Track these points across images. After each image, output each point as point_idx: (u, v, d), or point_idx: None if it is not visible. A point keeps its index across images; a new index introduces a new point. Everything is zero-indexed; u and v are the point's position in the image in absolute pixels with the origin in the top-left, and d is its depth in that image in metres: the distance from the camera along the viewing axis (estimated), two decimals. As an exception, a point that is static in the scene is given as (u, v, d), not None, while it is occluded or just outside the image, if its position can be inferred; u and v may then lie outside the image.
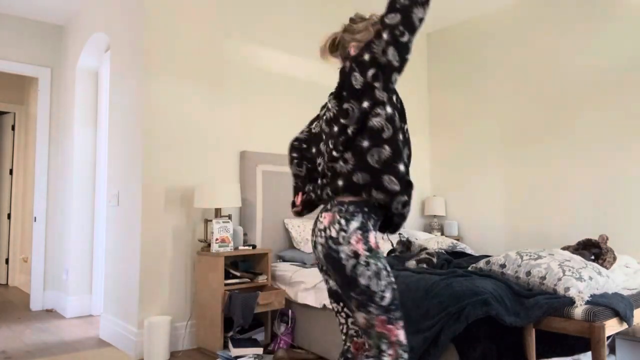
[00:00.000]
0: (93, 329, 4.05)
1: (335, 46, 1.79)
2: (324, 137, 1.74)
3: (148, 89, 3.45)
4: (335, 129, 1.61)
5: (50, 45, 4.93)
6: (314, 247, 1.62)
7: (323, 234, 1.57)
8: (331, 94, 1.71)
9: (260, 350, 3.11)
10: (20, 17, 4.76)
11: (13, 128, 6.25)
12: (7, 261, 6.30)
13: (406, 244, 3.39)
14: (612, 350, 2.74)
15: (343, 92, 1.61)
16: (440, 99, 5.31)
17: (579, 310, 2.08)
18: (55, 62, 4.95)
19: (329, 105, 1.68)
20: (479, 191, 4.90)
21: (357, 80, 1.58)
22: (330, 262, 1.55)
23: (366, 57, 1.57)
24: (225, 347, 3.26)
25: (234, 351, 3.07)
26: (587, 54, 4.16)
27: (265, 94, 4.07)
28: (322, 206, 1.68)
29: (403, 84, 5.19)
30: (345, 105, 1.59)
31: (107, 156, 4.03)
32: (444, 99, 5.28)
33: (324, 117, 1.74)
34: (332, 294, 1.74)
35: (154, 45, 3.49)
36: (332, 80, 4.52)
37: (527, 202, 4.51)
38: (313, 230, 1.63)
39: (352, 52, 1.72)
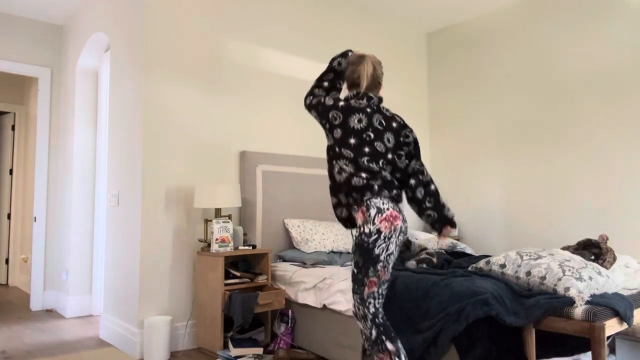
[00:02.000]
0: (93, 329, 4.05)
1: (372, 65, 2.29)
2: (383, 150, 2.22)
3: (148, 89, 3.45)
4: (391, 157, 2.27)
5: (50, 45, 4.93)
6: (402, 227, 2.14)
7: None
8: (382, 117, 2.25)
9: (260, 350, 3.12)
10: (20, 17, 4.76)
11: (13, 128, 6.25)
12: (7, 261, 6.30)
13: (406, 244, 3.38)
14: (612, 350, 2.74)
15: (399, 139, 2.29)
16: (440, 98, 5.31)
17: (579, 310, 2.08)
18: (55, 62, 4.95)
19: (390, 137, 2.25)
20: (479, 191, 4.90)
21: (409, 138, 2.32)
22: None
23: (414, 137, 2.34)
24: (225, 347, 3.26)
25: (234, 351, 3.07)
26: (587, 54, 4.16)
27: (265, 94, 4.07)
28: (388, 199, 2.15)
29: (402, 84, 5.19)
30: (401, 152, 2.30)
31: (107, 156, 4.03)
32: (443, 98, 5.28)
33: (384, 138, 2.24)
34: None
35: (154, 45, 3.49)
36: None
37: (527, 202, 4.51)
38: (399, 216, 2.12)
39: (379, 94, 2.35)
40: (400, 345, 2.11)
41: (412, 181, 2.31)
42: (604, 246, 2.68)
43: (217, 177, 3.74)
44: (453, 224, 2.34)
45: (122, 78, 3.74)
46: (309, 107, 2.33)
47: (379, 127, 2.22)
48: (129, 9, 3.66)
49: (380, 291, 2.13)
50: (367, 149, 2.18)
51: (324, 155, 4.38)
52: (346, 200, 2.22)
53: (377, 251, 2.08)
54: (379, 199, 2.12)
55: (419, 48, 5.40)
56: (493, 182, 4.79)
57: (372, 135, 2.20)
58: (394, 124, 2.27)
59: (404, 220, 2.16)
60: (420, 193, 2.31)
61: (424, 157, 5.34)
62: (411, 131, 2.32)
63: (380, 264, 2.10)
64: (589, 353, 2.49)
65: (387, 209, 2.10)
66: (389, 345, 2.09)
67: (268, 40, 4.12)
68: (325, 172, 4.29)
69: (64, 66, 4.89)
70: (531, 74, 4.53)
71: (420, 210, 2.34)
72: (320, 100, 2.29)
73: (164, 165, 3.49)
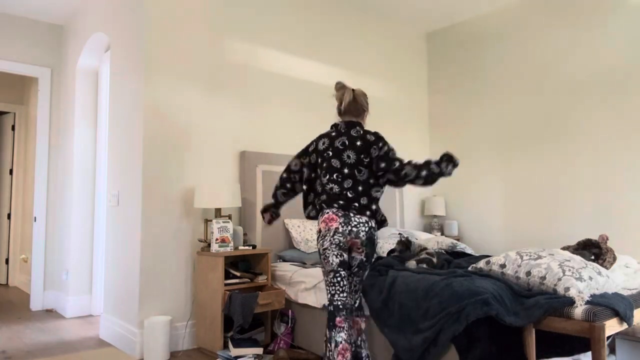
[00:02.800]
0: (93, 329, 4.05)
1: (352, 92, 2.67)
2: (338, 165, 2.59)
3: (148, 89, 3.45)
4: (355, 172, 2.58)
5: (50, 45, 4.93)
6: (340, 229, 2.49)
7: (366, 225, 2.54)
8: (345, 139, 2.61)
9: (260, 350, 3.12)
10: (20, 17, 4.76)
11: (13, 128, 6.25)
12: (7, 261, 6.30)
13: (405, 244, 3.38)
14: (612, 350, 2.74)
15: (363, 154, 2.58)
16: (440, 98, 5.31)
17: (579, 310, 2.08)
18: (55, 62, 4.95)
19: (350, 154, 2.57)
20: (479, 191, 4.90)
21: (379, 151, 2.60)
22: (370, 240, 2.57)
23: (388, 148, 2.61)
24: (225, 347, 3.26)
25: (234, 351, 3.07)
26: (587, 53, 4.16)
27: (265, 94, 4.07)
28: (337, 208, 2.55)
29: (402, 84, 5.19)
30: (364, 165, 2.58)
31: (107, 156, 4.03)
32: (443, 98, 5.28)
33: (344, 156, 2.59)
34: (344, 264, 2.53)
35: (154, 45, 3.49)
36: (330, 80, 4.52)
37: (527, 202, 4.51)
38: (335, 219, 2.50)
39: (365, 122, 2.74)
40: (334, 334, 2.44)
41: (401, 178, 2.54)
42: (604, 246, 2.68)
43: (217, 177, 3.74)
44: (455, 165, 2.51)
45: (122, 78, 3.74)
46: (297, 171, 2.79)
47: (340, 146, 2.61)
48: (129, 9, 3.66)
49: (328, 279, 2.52)
50: (325, 164, 2.61)
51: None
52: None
53: (318, 246, 2.56)
54: (328, 205, 2.55)
55: (419, 48, 5.40)
56: (493, 182, 4.79)
57: (330, 154, 2.61)
58: (358, 143, 2.59)
59: (345, 224, 2.50)
60: (412, 180, 2.53)
61: (424, 157, 5.35)
62: (381, 147, 2.56)
63: (321, 257, 2.54)
64: (589, 353, 2.49)
65: (327, 212, 2.53)
66: (327, 332, 2.47)
67: (268, 41, 4.12)
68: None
69: (64, 66, 4.89)
70: (531, 74, 4.53)
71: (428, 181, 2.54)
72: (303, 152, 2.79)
73: (164, 165, 3.49)
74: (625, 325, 2.17)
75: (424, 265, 2.95)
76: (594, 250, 2.69)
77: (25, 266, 5.88)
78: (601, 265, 2.61)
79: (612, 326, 2.10)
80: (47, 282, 4.84)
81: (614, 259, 2.65)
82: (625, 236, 3.89)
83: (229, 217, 3.56)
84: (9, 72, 4.72)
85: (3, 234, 6.38)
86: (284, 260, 3.78)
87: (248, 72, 3.97)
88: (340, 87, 2.72)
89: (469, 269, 2.65)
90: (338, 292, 2.50)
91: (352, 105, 2.65)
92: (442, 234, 5.08)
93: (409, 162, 2.54)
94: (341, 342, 2.41)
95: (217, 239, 3.31)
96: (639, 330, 2.58)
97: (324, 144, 2.65)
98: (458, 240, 4.88)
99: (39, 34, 4.86)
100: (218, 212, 3.50)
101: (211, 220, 3.49)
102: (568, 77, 4.27)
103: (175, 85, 3.57)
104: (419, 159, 5.29)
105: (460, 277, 2.43)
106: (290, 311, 3.38)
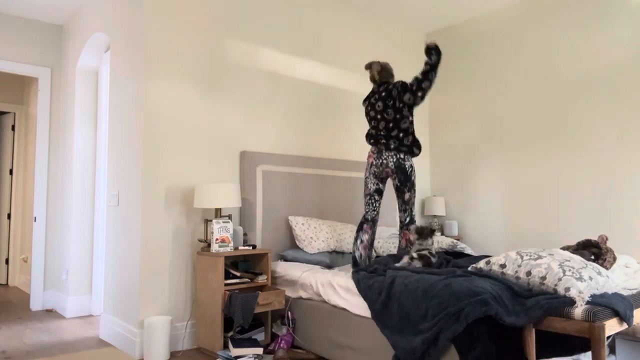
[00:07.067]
0: (93, 329, 4.05)
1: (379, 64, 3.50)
2: (374, 114, 3.46)
3: (148, 89, 3.45)
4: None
5: (50, 45, 4.93)
6: (381, 164, 3.30)
7: (394, 157, 3.28)
8: (376, 94, 3.47)
9: (260, 350, 3.12)
10: (20, 17, 4.76)
11: (13, 128, 6.25)
12: (7, 261, 6.30)
13: (421, 232, 3.11)
14: (612, 350, 2.74)
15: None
16: (440, 98, 5.31)
17: (579, 310, 2.08)
18: (55, 62, 4.95)
19: (379, 104, 3.39)
20: (479, 191, 4.90)
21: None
22: (399, 168, 3.28)
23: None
24: (225, 347, 3.26)
25: (234, 351, 3.07)
26: (587, 54, 4.16)
27: (265, 94, 4.07)
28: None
29: (403, 84, 5.19)
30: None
31: (107, 156, 4.03)
32: (443, 98, 5.28)
33: (376, 106, 3.43)
34: (378, 191, 3.39)
35: (154, 45, 3.49)
36: (331, 80, 4.52)
37: (526, 202, 4.51)
38: (379, 157, 3.32)
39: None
40: (361, 235, 3.29)
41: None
42: (603, 246, 2.68)
43: (217, 177, 3.74)
44: (438, 51, 3.17)
45: (122, 78, 3.74)
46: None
47: (373, 101, 3.49)
48: (129, 9, 3.66)
49: (366, 200, 3.39)
50: (367, 116, 3.56)
51: (323, 155, 4.39)
52: None
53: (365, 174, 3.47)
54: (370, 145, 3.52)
55: (419, 48, 5.40)
56: (493, 182, 4.79)
57: (368, 108, 3.52)
58: (383, 93, 3.39)
59: (378, 158, 3.32)
60: (427, 89, 3.29)
61: (425, 157, 5.35)
62: (399, 85, 3.30)
63: (364, 183, 3.53)
64: (589, 353, 2.49)
65: (369, 151, 3.49)
66: (356, 234, 3.34)
67: (268, 40, 4.12)
68: (324, 172, 4.30)
69: (64, 66, 4.89)
70: (531, 74, 4.53)
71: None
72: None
73: (164, 165, 3.49)
74: (625, 325, 2.18)
75: (419, 263, 2.94)
76: (593, 251, 2.69)
77: (25, 266, 5.88)
78: (601, 265, 2.62)
79: (612, 326, 2.10)
80: (47, 282, 4.84)
81: (614, 259, 2.65)
82: (625, 236, 3.89)
83: (229, 217, 3.56)
84: (9, 72, 4.71)
85: (3, 234, 6.38)
86: (286, 260, 3.78)
87: (248, 72, 3.97)
88: (368, 64, 3.46)
89: (469, 269, 2.65)
90: (370, 210, 3.35)
91: (381, 73, 3.43)
92: (442, 234, 5.08)
93: (417, 79, 3.19)
94: (364, 241, 3.27)
95: (217, 239, 3.31)
96: (639, 330, 2.58)
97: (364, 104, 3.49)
98: (458, 240, 4.88)
99: (39, 34, 4.86)
100: (218, 212, 3.50)
101: (211, 220, 3.49)
102: (568, 76, 4.27)
103: (175, 86, 3.57)
104: (420, 160, 5.31)
105: (459, 277, 2.43)
106: (289, 313, 3.38)
